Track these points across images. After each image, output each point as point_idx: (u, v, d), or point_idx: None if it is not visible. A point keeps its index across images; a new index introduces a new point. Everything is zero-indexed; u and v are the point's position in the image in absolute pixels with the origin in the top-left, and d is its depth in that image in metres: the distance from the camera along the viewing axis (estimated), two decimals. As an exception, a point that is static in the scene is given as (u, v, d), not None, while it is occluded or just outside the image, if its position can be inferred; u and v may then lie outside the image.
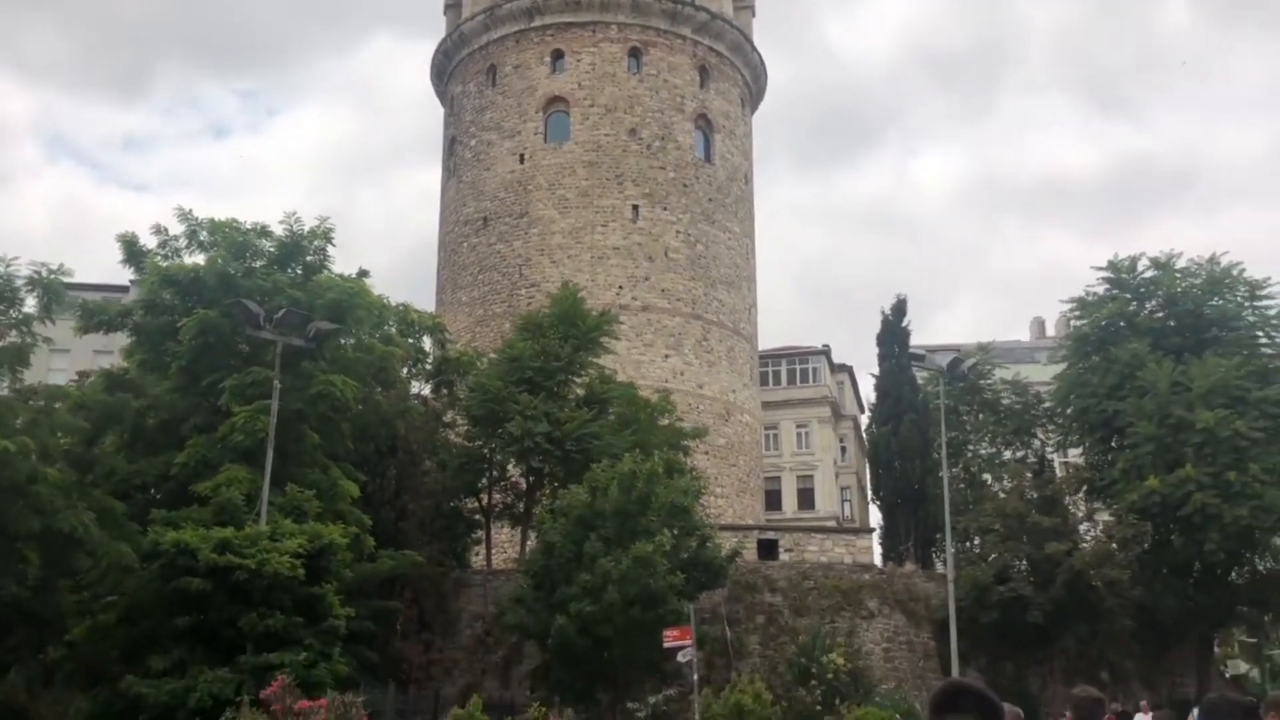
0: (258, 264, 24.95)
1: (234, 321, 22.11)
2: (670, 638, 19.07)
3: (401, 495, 27.06)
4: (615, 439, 29.38)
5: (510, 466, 32.01)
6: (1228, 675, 35.66)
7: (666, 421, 33.86)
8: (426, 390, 34.17)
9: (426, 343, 34.47)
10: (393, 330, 30.86)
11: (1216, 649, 34.31)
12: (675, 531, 25.07)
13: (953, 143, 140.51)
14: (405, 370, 31.52)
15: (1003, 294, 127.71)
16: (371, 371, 26.22)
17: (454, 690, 26.70)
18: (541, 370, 30.44)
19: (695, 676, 20.19)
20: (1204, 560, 30.55)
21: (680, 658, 19.19)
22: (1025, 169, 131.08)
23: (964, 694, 3.24)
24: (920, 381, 36.75)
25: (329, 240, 25.45)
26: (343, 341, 25.81)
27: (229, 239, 24.47)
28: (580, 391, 31.83)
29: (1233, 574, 31.99)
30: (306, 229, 25.13)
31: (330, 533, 20.50)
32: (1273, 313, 32.49)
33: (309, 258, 25.53)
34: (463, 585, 29.63)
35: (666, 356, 46.65)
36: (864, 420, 58.33)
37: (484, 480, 32.37)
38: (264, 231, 25.16)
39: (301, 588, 19.50)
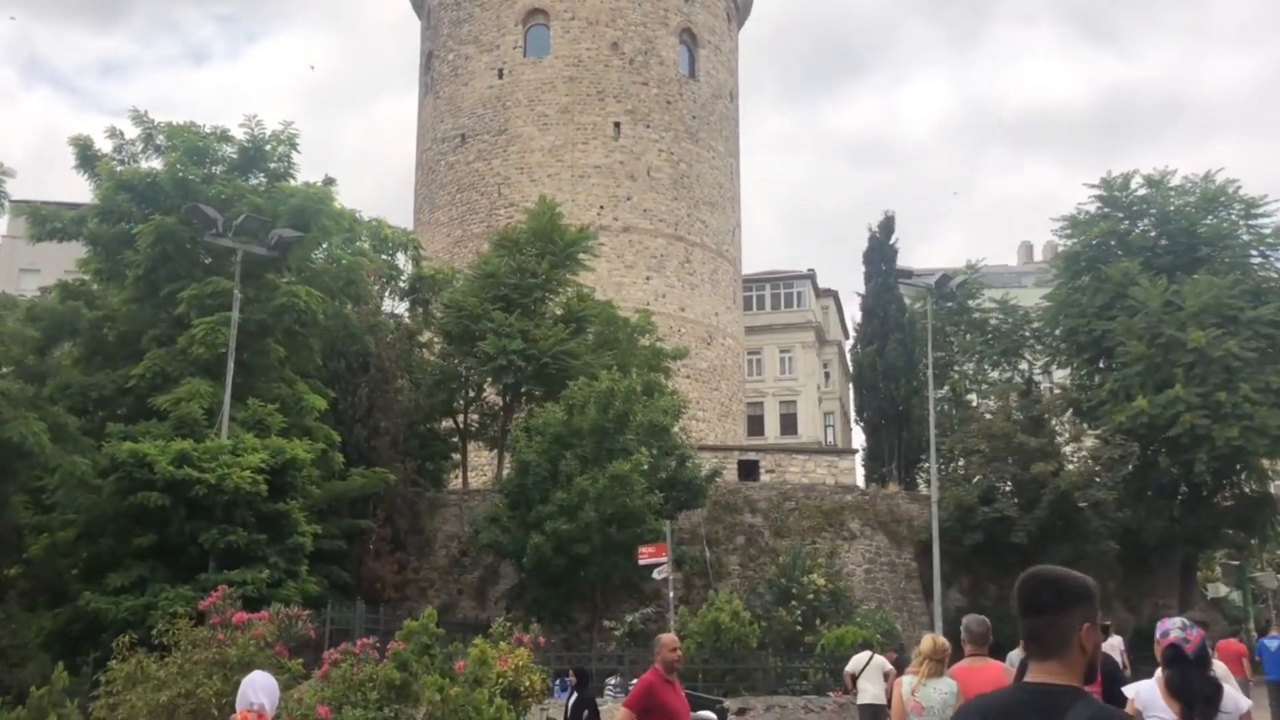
0: (218, 170, 23.83)
1: (193, 229, 21.09)
2: (645, 554, 18.54)
3: (374, 413, 26.28)
4: (594, 358, 28.67)
5: (486, 386, 31.31)
6: (1209, 597, 35.56)
7: (647, 342, 33.12)
8: (402, 308, 33.30)
9: (401, 260, 33.52)
10: (366, 245, 29.88)
11: (1199, 571, 34.11)
12: (653, 451, 24.51)
13: (941, 72, 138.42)
14: (379, 287, 30.60)
15: (988, 224, 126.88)
16: (340, 285, 25.29)
17: (430, 609, 26.25)
18: (518, 287, 29.57)
19: (671, 593, 19.70)
20: (1190, 482, 30.18)
21: (656, 575, 18.67)
22: (1013, 99, 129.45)
23: (1042, 588, 2.92)
24: (907, 301, 36.00)
25: (293, 147, 24.29)
26: (312, 255, 24.86)
27: (188, 143, 23.30)
28: (558, 310, 31.01)
29: (1218, 496, 31.64)
30: (269, 133, 23.97)
31: (294, 448, 19.75)
32: (1268, 231, 31.73)
33: (272, 164, 24.39)
34: (439, 506, 29.06)
35: (648, 279, 45.77)
36: (848, 346, 57.72)
37: (459, 400, 31.67)
38: (224, 136, 23.98)
39: (265, 504, 18.80)
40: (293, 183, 24.29)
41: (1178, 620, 5.69)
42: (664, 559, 18.07)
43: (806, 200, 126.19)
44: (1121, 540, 29.10)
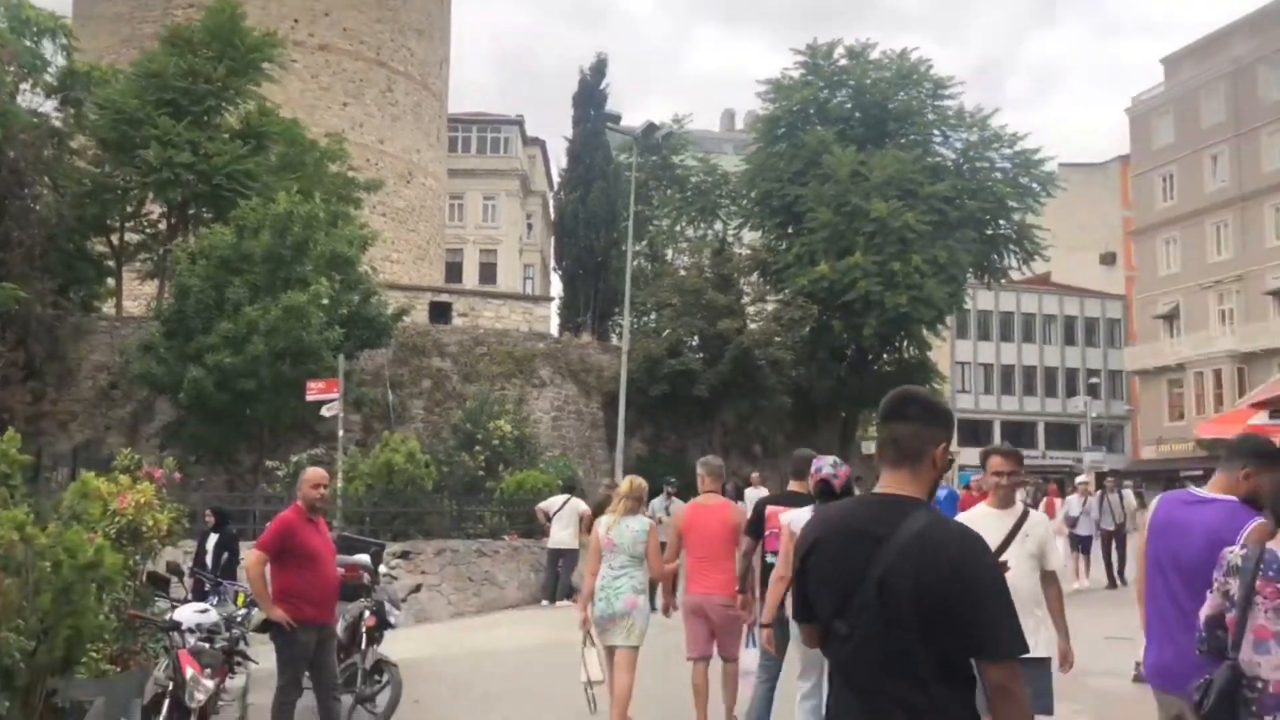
0: None
1: None
2: (315, 390, 17.14)
3: (4, 221, 22.72)
4: (275, 180, 26.11)
5: (149, 202, 28.00)
6: (864, 453, 38.38)
7: (337, 169, 30.73)
8: (49, 107, 28.87)
9: (49, 50, 28.89)
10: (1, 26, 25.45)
11: (858, 430, 36.60)
12: (336, 284, 22.77)
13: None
14: (15, 77, 26.20)
15: (696, 95, 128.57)
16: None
17: (70, 445, 23.60)
18: (189, 92, 26.28)
19: (343, 433, 18.48)
20: (859, 345, 32.00)
21: (325, 412, 17.35)
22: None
23: (912, 402, 3.07)
24: (613, 151, 35.43)
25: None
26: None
27: None
28: (236, 123, 27.96)
29: (881, 360, 33.81)
30: None
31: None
32: (950, 113, 33.41)
33: None
34: (85, 332, 25.88)
35: (345, 104, 42.63)
36: (552, 196, 56.90)
37: (115, 217, 28.17)
38: None
39: None
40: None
41: (829, 459, 6.52)
42: (335, 395, 16.77)
43: (522, 53, 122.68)
44: (794, 397, 30.54)
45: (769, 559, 6.94)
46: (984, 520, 5.36)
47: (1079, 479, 21.54)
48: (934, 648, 2.72)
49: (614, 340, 32.87)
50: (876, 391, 31.61)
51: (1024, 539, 5.51)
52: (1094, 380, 62.53)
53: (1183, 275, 52.96)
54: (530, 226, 66.77)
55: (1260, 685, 3.73)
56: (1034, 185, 32.77)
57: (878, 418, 3.11)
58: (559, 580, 16.32)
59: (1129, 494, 19.48)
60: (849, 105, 33.68)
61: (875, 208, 29.23)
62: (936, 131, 33.60)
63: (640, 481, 7.77)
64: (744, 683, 7.07)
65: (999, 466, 5.66)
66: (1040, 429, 63.72)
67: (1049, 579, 5.62)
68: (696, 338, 29.65)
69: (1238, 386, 48.06)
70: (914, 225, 29.27)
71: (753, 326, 30.12)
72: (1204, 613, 3.95)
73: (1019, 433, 61.33)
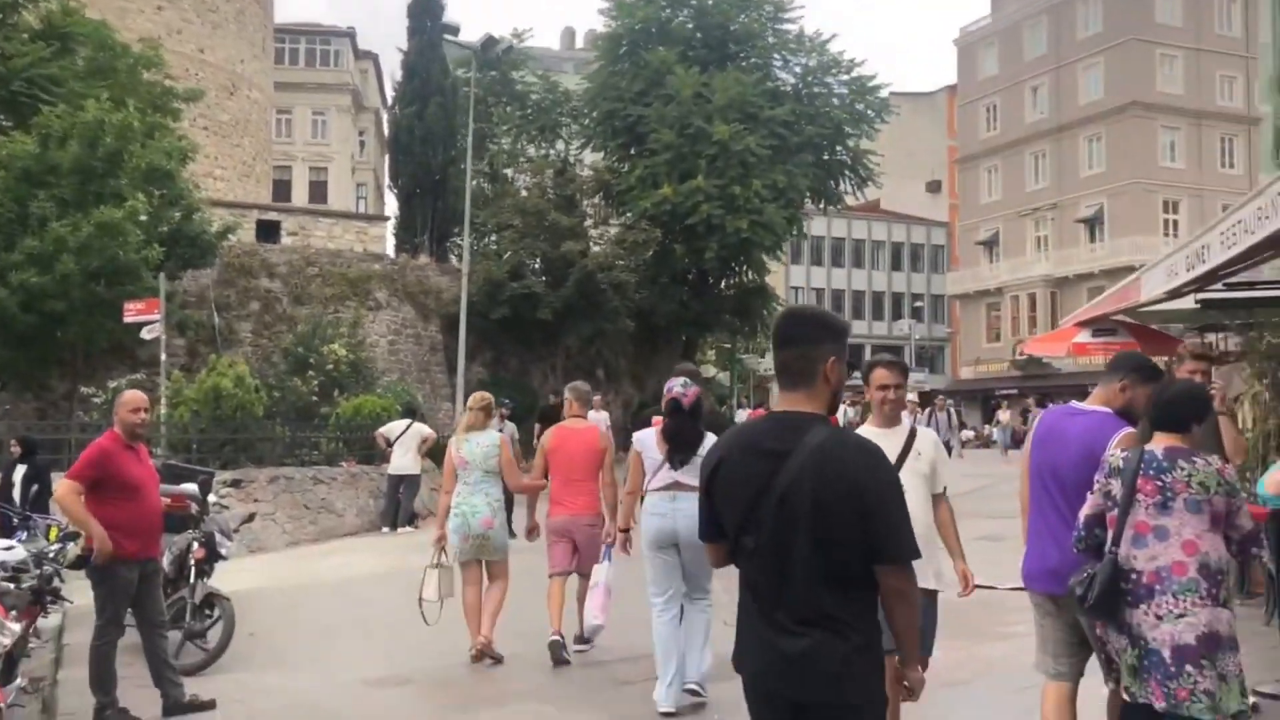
0: None
1: None
2: (133, 311, 16.08)
3: None
4: (83, 87, 24.11)
5: (-65, 108, 25.51)
6: (702, 377, 39.09)
7: (152, 78, 28.62)
8: None
9: None
10: None
11: (697, 353, 37.10)
12: (154, 199, 21.35)
13: None
14: None
15: (535, 9, 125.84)
16: None
17: None
18: (-21, -14, 23.93)
19: (165, 357, 17.46)
20: (700, 269, 32.20)
21: (145, 334, 16.33)
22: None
23: (794, 324, 3.15)
24: (450, 65, 34.19)
25: None
26: None
27: None
28: (36, 23, 25.65)
29: (722, 285, 34.17)
30: None
31: None
32: (790, 37, 33.55)
33: None
34: None
35: (160, 9, 39.77)
36: (386, 113, 54.85)
37: (-101, 122, 25.58)
38: None
39: None
40: None
41: (680, 379, 6.53)
42: (155, 317, 15.77)
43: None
44: (636, 320, 30.59)
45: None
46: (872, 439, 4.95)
47: (907, 398, 22.45)
48: (835, 556, 2.82)
49: (453, 262, 32.11)
50: (717, 315, 32.16)
51: (916, 458, 5.02)
52: (918, 304, 65.13)
53: (1003, 203, 55.35)
54: (363, 144, 64.46)
55: (1135, 577, 3.98)
56: (869, 112, 33.37)
57: (772, 344, 3.16)
58: (400, 507, 15.97)
59: (950, 413, 20.47)
60: (691, 26, 33.39)
61: (717, 130, 29.22)
62: (777, 56, 33.70)
63: (487, 396, 7.85)
64: (603, 595, 7.19)
65: (884, 379, 5.07)
66: (868, 351, 66.03)
67: (938, 500, 5.16)
68: (539, 260, 29.25)
69: (1050, 310, 50.87)
70: (755, 149, 29.41)
71: (596, 249, 29.90)
72: (1084, 512, 4.19)
73: (851, 355, 63.32)
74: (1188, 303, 12.32)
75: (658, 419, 6.77)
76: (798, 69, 33.52)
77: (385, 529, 15.84)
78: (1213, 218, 38.52)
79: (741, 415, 26.23)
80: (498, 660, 7.42)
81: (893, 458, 4.47)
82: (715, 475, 3.03)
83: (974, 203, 57.80)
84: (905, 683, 3.04)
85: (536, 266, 29.21)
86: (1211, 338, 12.82)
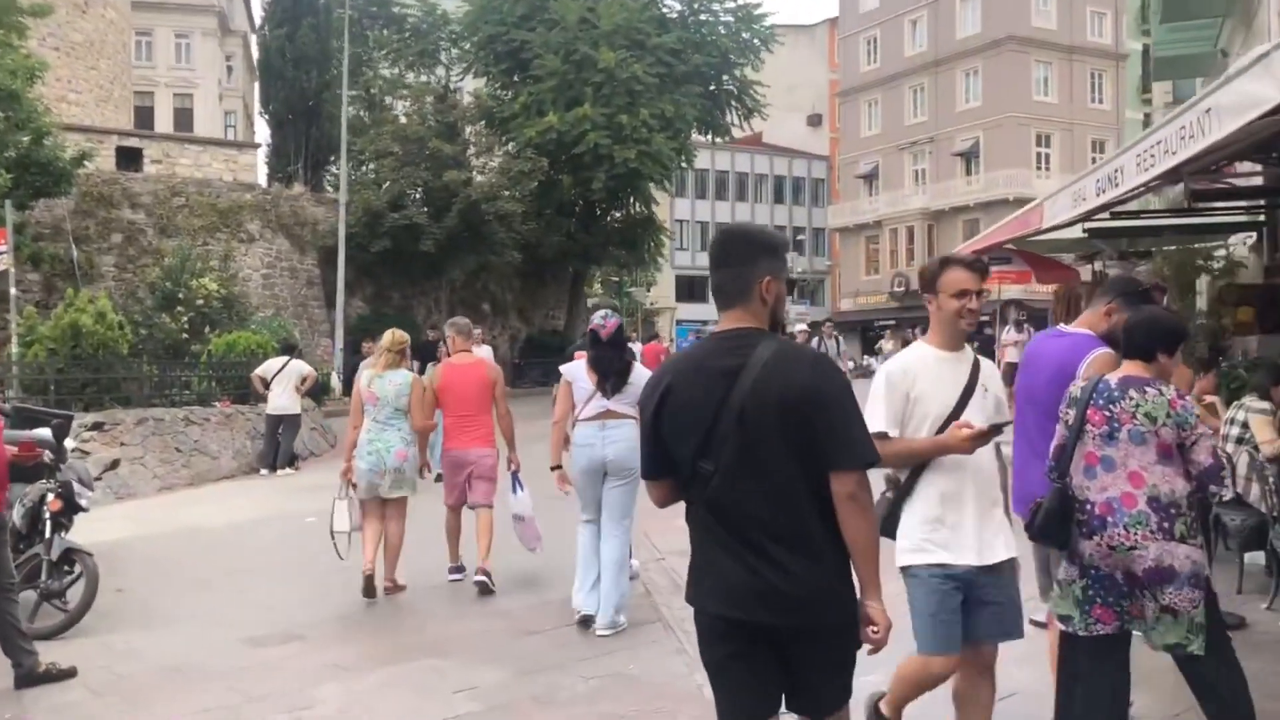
0: None
1: None
2: (-24, 242, 14.80)
3: None
4: (-89, -1, 22.07)
5: None
6: (589, 307, 38.65)
7: (-7, -11, 26.40)
8: None
9: None
10: None
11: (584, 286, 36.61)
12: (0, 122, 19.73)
13: None
14: None
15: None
16: None
17: None
18: None
19: (14, 291, 16.17)
20: (588, 200, 31.60)
21: (-7, 266, 15.06)
22: None
23: (725, 244, 3.05)
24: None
25: None
26: None
27: None
28: None
29: (609, 216, 33.64)
30: None
31: None
32: (677, -37, 32.88)
33: None
34: None
35: (-1, -85, 36.68)
36: (257, 37, 52.17)
37: None
38: None
39: None
40: None
41: (601, 310, 6.59)
42: (2, 248, 14.56)
43: None
44: (523, 253, 29.89)
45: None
46: (934, 365, 3.78)
47: (796, 328, 22.55)
48: (796, 469, 2.75)
49: (330, 192, 30.82)
50: (604, 247, 31.72)
51: (983, 395, 3.79)
52: (800, 237, 65.64)
53: (882, 136, 55.84)
54: (230, 70, 61.33)
55: (1089, 508, 3.82)
56: (755, 41, 33.01)
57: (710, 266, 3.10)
58: (279, 448, 15.25)
59: (839, 340, 20.74)
60: (573, -52, 32.37)
61: (604, 57, 28.50)
62: (665, -19, 33.01)
63: (402, 334, 7.84)
64: (522, 527, 7.46)
65: (963, 283, 3.75)
66: (753, 284, 66.54)
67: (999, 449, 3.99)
68: (420, 190, 28.20)
69: (928, 242, 51.81)
70: (641, 77, 28.81)
71: (480, 179, 28.98)
72: (1054, 443, 4.02)
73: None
74: (1074, 232, 12.44)
75: (581, 353, 6.83)
76: (684, -4, 32.93)
77: (264, 470, 15.14)
78: (1083, 152, 39.66)
79: (635, 349, 25.85)
80: (400, 588, 7.54)
81: (956, 391, 3.73)
82: (664, 401, 2.90)
83: (854, 136, 58.20)
84: (870, 626, 2.81)
85: (418, 197, 28.18)
86: (1099, 266, 13.00)
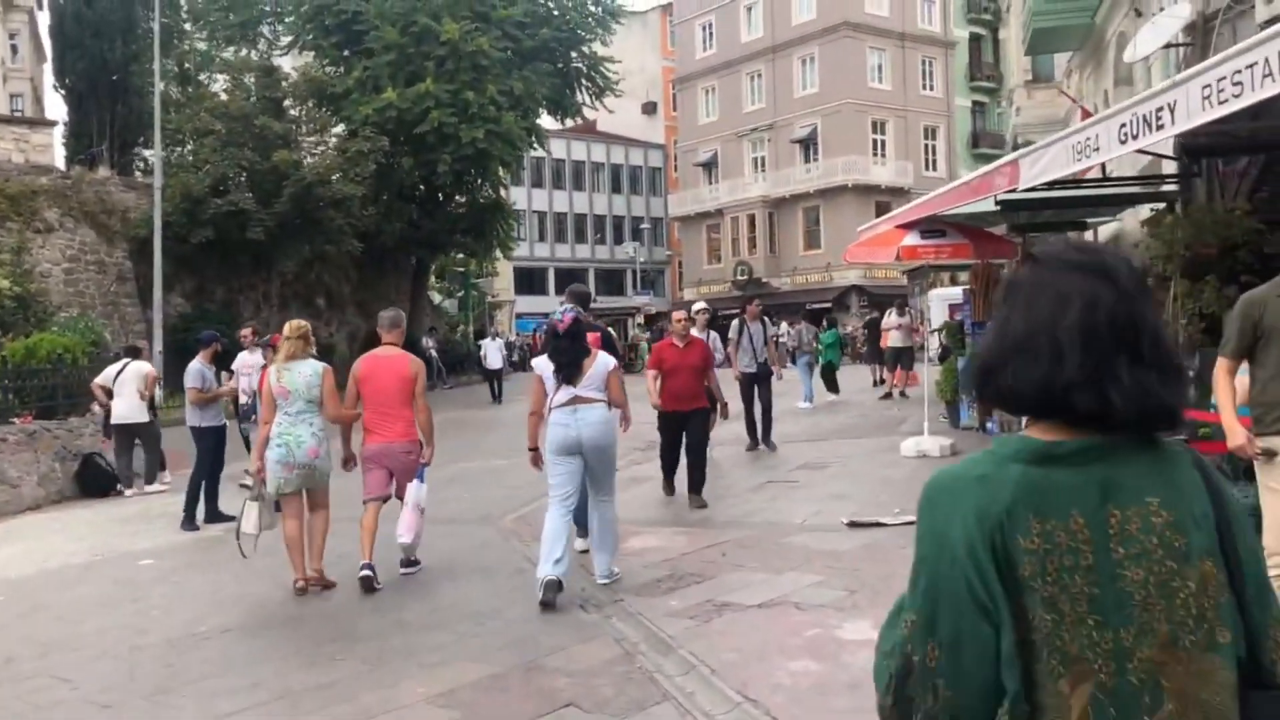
0: None
1: None
2: None
3: None
4: None
5: None
6: (434, 302, 36.34)
7: None
8: None
9: None
10: None
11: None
12: None
13: None
14: None
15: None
16: None
17: None
18: None
19: None
20: (431, 184, 29.42)
21: None
22: None
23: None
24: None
25: None
26: None
27: None
28: None
29: (454, 200, 31.53)
30: None
31: None
32: (519, -68, 30.96)
33: None
34: None
35: None
36: (45, 19, 47.29)
37: None
38: None
39: None
40: None
41: (562, 305, 7.15)
42: None
43: None
44: (362, 242, 27.52)
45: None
46: None
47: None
48: None
49: (141, 176, 27.60)
50: (450, 234, 29.61)
51: None
52: (643, 226, 64.59)
53: (721, 124, 55.33)
54: (15, 49, 55.63)
55: None
56: (602, 13, 31.50)
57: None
58: (146, 463, 13.04)
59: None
60: (409, -85, 30.11)
61: (446, 29, 26.42)
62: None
63: (303, 323, 7.60)
64: (415, 515, 7.38)
65: None
66: (591, 275, 65.16)
67: None
68: (246, 174, 25.41)
69: (769, 230, 51.60)
70: (488, 51, 26.88)
71: (312, 160, 26.40)
72: None
73: (571, 279, 62.05)
74: (986, 205, 11.51)
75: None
76: (529, -35, 31.06)
77: (128, 491, 12.99)
78: (917, 138, 39.82)
79: (488, 344, 24.01)
80: (330, 585, 7.28)
81: None
82: None
83: (692, 124, 57.51)
84: None
85: (243, 180, 25.42)
86: (1031, 238, 12.13)
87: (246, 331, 13.16)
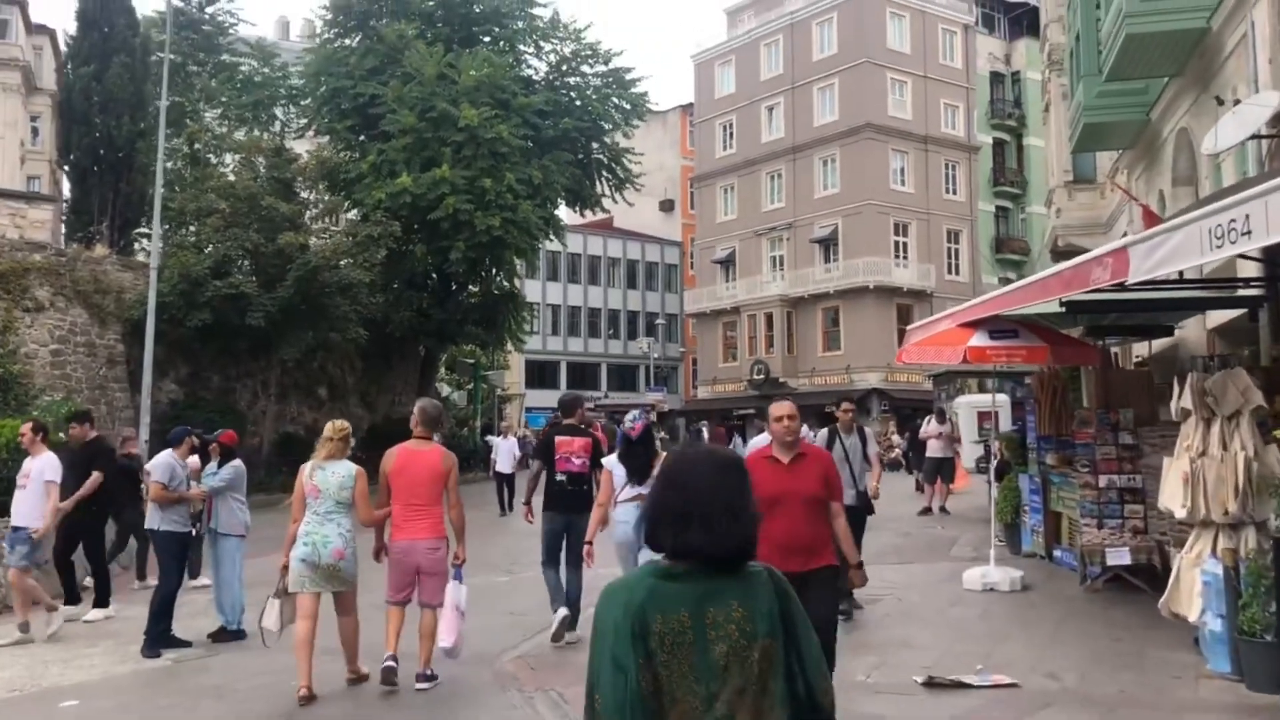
0: None
1: None
2: None
3: None
4: None
5: None
6: (442, 394, 35.00)
7: None
8: None
9: None
10: None
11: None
12: None
13: None
14: None
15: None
16: None
17: None
18: None
19: None
20: (443, 273, 28.37)
21: None
22: None
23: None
24: (140, 23, 28.52)
25: None
26: None
27: None
28: None
29: (466, 290, 30.46)
30: None
31: None
32: (543, 23, 30.47)
33: None
34: None
35: None
36: (57, 77, 47.13)
37: None
38: None
39: None
40: None
41: (631, 413, 8.08)
42: None
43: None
44: (368, 330, 26.33)
45: (559, 478, 8.45)
46: None
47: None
48: None
49: (141, 256, 26.60)
50: (460, 325, 28.27)
51: None
52: (659, 322, 63.64)
53: (739, 222, 54.74)
54: (36, 132, 55.73)
55: None
56: (626, 105, 30.80)
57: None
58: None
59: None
60: (430, 2, 29.62)
61: (465, 115, 25.63)
62: (528, 43, 30.51)
63: (344, 424, 7.57)
64: (455, 617, 7.22)
65: None
66: (603, 370, 64.05)
67: None
68: (249, 257, 24.36)
69: (787, 328, 50.53)
70: (507, 139, 26.03)
71: (319, 243, 25.34)
72: None
73: (583, 374, 61.26)
74: (1050, 305, 10.25)
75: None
76: (552, 56, 30.46)
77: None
78: (939, 242, 38.93)
79: (499, 443, 22.53)
80: (364, 678, 7.32)
81: None
82: None
83: (710, 221, 56.98)
84: None
85: (246, 263, 24.35)
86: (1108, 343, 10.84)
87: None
